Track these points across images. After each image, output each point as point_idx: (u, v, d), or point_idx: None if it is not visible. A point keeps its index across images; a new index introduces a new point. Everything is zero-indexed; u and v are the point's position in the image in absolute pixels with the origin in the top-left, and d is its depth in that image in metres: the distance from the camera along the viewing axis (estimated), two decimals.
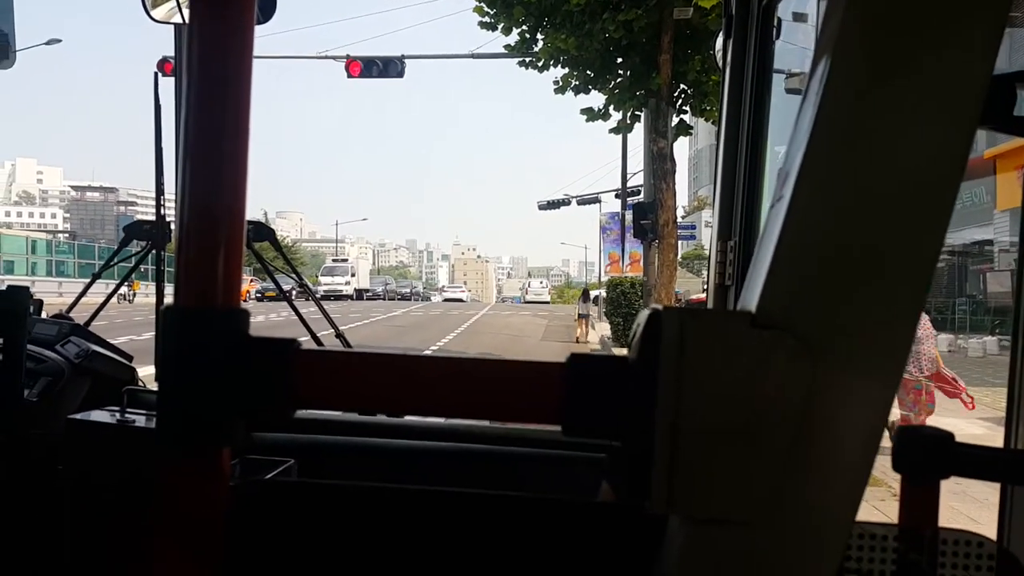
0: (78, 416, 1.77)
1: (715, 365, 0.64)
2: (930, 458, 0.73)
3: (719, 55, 2.25)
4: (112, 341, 2.24)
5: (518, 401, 0.67)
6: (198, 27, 0.65)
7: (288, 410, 0.66)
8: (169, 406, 0.65)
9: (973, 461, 0.74)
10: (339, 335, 2.65)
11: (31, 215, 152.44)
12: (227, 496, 0.66)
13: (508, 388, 0.66)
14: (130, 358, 2.20)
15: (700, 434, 0.64)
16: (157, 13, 2.40)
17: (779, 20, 2.10)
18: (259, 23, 2.06)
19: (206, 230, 0.64)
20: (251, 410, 0.65)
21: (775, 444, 0.64)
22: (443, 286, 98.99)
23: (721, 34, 2.22)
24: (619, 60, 13.30)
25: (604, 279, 27.96)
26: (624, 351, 0.73)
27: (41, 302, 2.36)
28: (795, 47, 2.31)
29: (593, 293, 25.31)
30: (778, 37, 2.10)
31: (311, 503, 0.95)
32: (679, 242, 16.07)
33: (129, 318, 16.90)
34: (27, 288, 1.79)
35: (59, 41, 32.44)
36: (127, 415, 1.75)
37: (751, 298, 0.67)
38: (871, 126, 0.65)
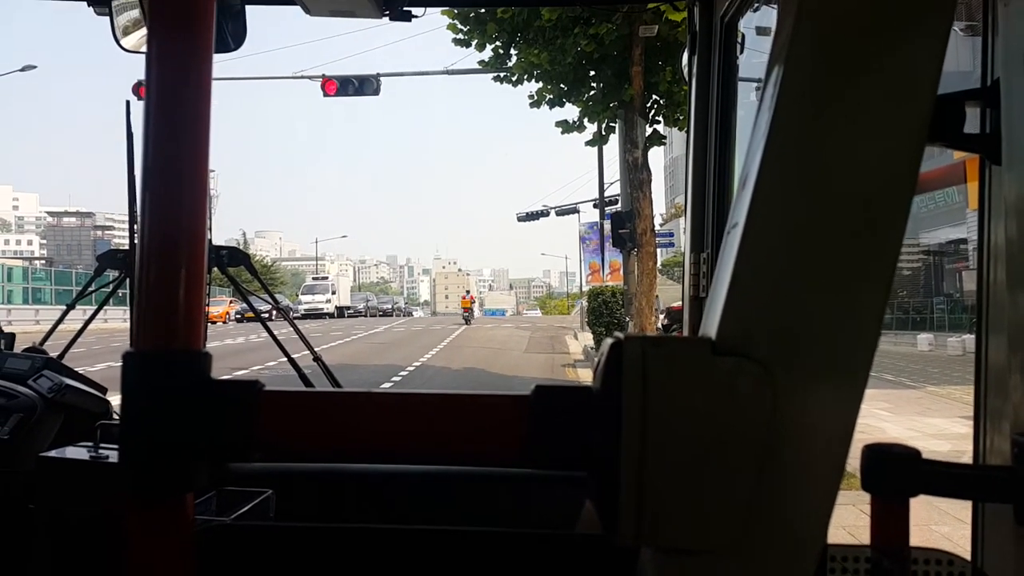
0: (51, 453, 1.74)
1: (678, 394, 0.64)
2: (899, 477, 0.73)
3: (686, 71, 2.27)
4: (93, 368, 2.21)
5: (484, 439, 0.67)
6: (156, 54, 0.64)
7: (252, 453, 0.66)
8: (130, 452, 0.64)
9: (942, 479, 0.74)
10: (317, 359, 2.63)
11: (7, 242, 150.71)
12: (191, 541, 0.66)
13: (473, 426, 0.67)
14: (104, 390, 2.17)
15: (665, 464, 0.64)
16: (127, 42, 2.37)
17: (743, 35, 2.12)
18: (231, 50, 2.05)
19: (164, 274, 0.64)
20: (214, 455, 0.65)
21: (741, 471, 0.64)
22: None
23: (686, 51, 2.25)
24: (591, 73, 13.39)
25: (586, 288, 27.99)
26: None
27: (13, 335, 2.33)
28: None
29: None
30: (742, 52, 2.13)
31: (279, 545, 0.94)
32: (658, 250, 16.16)
33: (107, 344, 16.68)
34: None
35: (34, 67, 32.16)
36: (100, 450, 1.72)
37: (711, 323, 0.68)
38: (822, 141, 0.65)
